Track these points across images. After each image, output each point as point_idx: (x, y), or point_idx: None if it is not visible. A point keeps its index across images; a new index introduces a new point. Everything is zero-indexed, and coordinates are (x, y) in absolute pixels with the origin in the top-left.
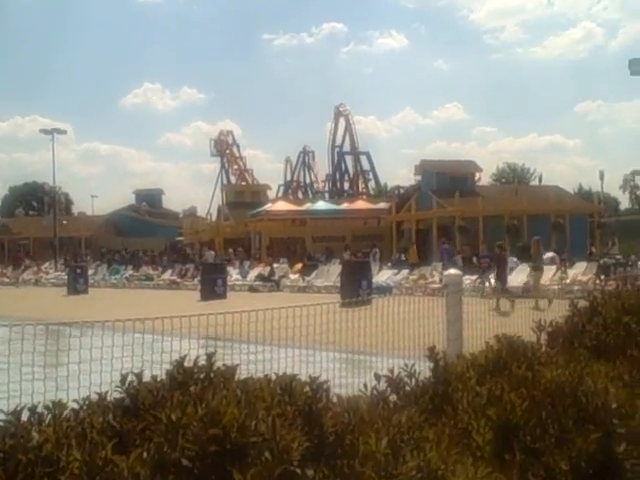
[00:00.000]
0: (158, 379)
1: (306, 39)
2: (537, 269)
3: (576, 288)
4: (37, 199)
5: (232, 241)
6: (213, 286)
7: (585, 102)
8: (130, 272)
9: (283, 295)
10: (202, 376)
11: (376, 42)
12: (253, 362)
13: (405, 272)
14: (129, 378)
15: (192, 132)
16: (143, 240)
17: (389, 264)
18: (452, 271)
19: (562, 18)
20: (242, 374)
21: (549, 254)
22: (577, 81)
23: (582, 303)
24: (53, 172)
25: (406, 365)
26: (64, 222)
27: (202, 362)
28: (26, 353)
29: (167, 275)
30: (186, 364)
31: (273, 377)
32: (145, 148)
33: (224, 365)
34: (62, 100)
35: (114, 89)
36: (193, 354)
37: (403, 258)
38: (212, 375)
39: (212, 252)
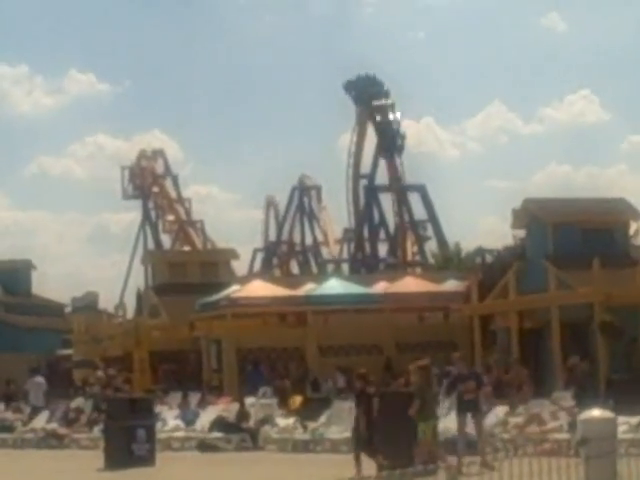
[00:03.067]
0: None
1: None
2: (426, 418)
3: None
4: None
5: (166, 356)
6: (129, 442)
7: None
8: None
9: (264, 458)
10: None
11: None
12: None
13: (501, 411)
14: None
15: (87, 154)
16: None
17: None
18: (596, 413)
19: None
20: None
21: None
22: None
23: None
24: None
25: None
26: None
27: None
28: None
29: (41, 422)
30: None
31: None
32: None
33: None
34: None
35: None
36: None
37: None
38: None
39: (40, 378)
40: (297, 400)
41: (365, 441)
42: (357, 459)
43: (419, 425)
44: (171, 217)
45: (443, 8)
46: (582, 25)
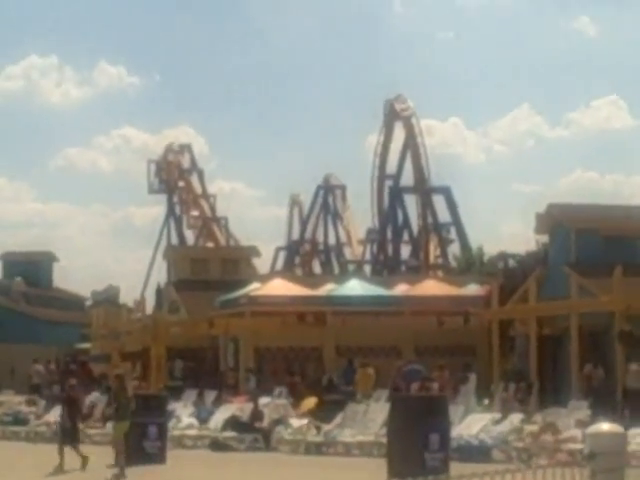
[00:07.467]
0: None
1: None
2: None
3: None
4: None
5: (184, 352)
6: (140, 439)
7: None
8: None
9: (276, 459)
10: None
11: None
12: None
13: (516, 418)
14: None
15: (114, 147)
16: (14, 347)
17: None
18: (605, 427)
19: None
20: None
21: None
22: None
23: None
24: None
25: None
26: None
27: None
28: None
29: (55, 415)
30: None
31: None
32: (23, 177)
33: None
34: None
35: None
36: None
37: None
38: None
39: None
40: (311, 401)
41: (69, 434)
42: (61, 451)
43: (114, 425)
44: (195, 213)
45: (473, 9)
46: (612, 30)
